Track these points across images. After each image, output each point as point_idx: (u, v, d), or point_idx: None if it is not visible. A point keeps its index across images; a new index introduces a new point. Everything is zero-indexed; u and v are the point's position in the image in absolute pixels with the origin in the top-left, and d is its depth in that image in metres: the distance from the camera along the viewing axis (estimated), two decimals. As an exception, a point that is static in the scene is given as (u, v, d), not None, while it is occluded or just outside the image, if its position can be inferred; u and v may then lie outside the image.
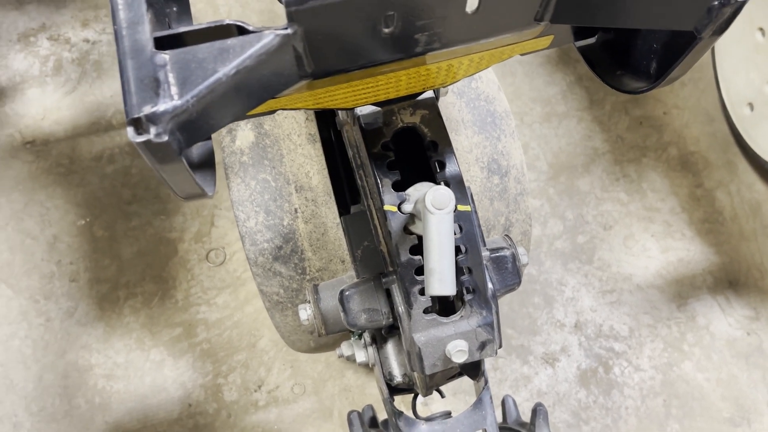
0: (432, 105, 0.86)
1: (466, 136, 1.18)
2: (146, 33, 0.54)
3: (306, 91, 0.73)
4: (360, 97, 0.82)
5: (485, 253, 0.88)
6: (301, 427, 1.59)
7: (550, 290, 1.71)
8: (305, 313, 0.99)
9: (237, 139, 1.18)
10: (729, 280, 1.73)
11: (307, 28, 0.55)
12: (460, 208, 0.83)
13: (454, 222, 0.83)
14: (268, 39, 0.54)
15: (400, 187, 0.83)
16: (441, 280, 0.72)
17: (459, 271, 0.85)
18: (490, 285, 0.85)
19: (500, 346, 0.88)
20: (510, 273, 0.93)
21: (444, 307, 0.91)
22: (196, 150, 0.80)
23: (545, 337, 1.67)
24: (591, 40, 0.85)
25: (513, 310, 1.69)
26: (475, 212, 0.98)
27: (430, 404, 1.61)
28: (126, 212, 1.79)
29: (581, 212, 1.80)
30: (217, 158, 1.77)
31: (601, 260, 1.75)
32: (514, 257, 0.94)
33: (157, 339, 1.67)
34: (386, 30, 0.58)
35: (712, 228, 1.79)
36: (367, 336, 1.04)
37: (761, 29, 1.67)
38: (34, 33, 2.06)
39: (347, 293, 0.91)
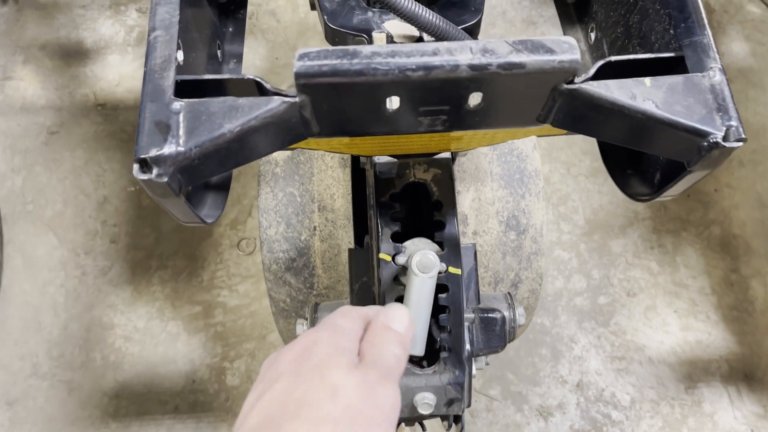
0: (446, 165, 0.89)
1: (491, 189, 1.21)
2: (170, 79, 0.60)
3: (321, 139, 0.77)
4: (377, 149, 0.86)
5: (470, 315, 0.90)
6: (292, 425, 1.65)
7: (560, 345, 1.72)
8: (301, 328, 1.04)
9: (275, 150, 1.24)
10: (745, 373, 1.69)
11: (314, 99, 0.59)
12: (451, 270, 0.86)
13: (444, 283, 0.86)
14: (275, 104, 0.59)
15: (399, 238, 0.87)
16: (412, 340, 0.76)
17: (440, 330, 0.88)
18: (468, 347, 0.88)
19: (468, 405, 0.90)
20: (497, 336, 0.95)
21: (425, 358, 0.94)
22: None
23: (545, 389, 1.67)
24: (611, 134, 0.86)
25: (518, 356, 1.70)
26: (475, 269, 1.01)
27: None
28: (173, 187, 1.89)
29: (608, 273, 1.79)
30: (253, 165, 1.83)
31: (618, 325, 1.74)
32: (504, 320, 0.96)
33: (177, 313, 1.76)
34: (390, 109, 0.62)
35: (739, 316, 1.75)
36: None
37: (829, 127, 1.62)
38: (125, 2, 2.19)
39: (338, 323, 0.95)
